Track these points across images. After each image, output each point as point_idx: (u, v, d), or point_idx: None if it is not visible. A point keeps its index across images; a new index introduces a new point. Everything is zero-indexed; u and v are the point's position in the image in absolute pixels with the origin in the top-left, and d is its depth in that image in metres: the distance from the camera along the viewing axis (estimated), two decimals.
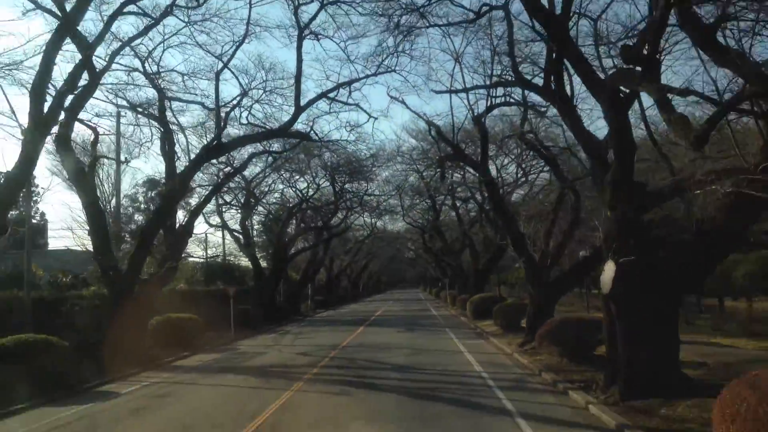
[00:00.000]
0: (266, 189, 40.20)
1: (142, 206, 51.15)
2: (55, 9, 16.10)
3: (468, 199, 39.47)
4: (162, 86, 21.62)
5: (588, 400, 10.94)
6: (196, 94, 33.63)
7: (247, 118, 22.50)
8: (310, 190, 41.56)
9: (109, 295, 19.49)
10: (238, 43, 19.69)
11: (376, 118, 24.79)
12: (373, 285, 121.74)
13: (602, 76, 12.25)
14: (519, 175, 35.04)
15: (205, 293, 33.89)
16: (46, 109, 13.42)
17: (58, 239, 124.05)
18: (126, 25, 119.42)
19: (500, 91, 19.44)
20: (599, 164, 11.50)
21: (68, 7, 14.62)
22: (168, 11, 17.15)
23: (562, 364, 15.00)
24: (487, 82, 18.19)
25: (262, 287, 38.26)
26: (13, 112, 13.90)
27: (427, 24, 15.45)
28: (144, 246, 19.44)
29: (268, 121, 24.45)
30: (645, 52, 9.02)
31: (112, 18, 15.83)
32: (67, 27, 13.34)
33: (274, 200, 44.69)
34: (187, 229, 22.28)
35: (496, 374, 14.69)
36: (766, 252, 27.59)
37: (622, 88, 9.96)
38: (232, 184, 35.13)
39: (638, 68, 9.27)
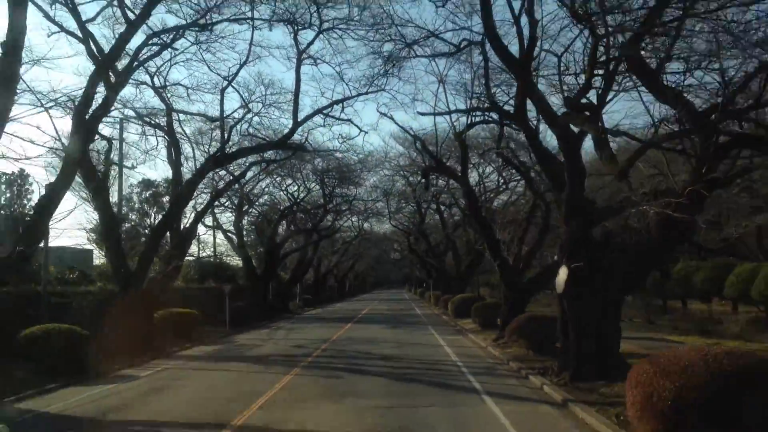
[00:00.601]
0: (259, 192, 42.05)
1: (136, 206, 52.99)
2: (78, 32, 17.97)
3: (451, 205, 41.59)
4: (168, 98, 23.48)
5: (543, 382, 13.04)
6: (203, 102, 35.27)
7: (247, 129, 24.49)
8: (300, 192, 43.53)
9: (120, 291, 21.30)
10: (241, 63, 21.67)
11: (366, 132, 27.12)
12: (359, 285, 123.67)
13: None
14: (500, 183, 37.26)
15: (199, 290, 35.73)
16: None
17: (55, 238, 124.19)
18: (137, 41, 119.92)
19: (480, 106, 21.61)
20: (556, 185, 13.62)
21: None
22: (180, 35, 19.01)
23: (528, 355, 17.12)
24: (468, 103, 20.34)
25: (255, 286, 40.11)
26: (59, 135, 15.41)
27: (414, 55, 17.52)
28: (153, 246, 21.32)
29: (266, 132, 26.45)
30: (584, 101, 11.14)
31: (138, 51, 17.65)
32: (104, 69, 15.15)
33: (265, 202, 46.54)
34: (192, 231, 24.16)
35: (470, 363, 16.79)
36: (722, 259, 30.10)
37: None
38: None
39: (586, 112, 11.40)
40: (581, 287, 12.82)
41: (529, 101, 14.73)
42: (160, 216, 47.54)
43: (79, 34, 17.71)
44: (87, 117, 14.45)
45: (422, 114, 25.00)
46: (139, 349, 19.85)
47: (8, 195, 57.32)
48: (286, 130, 23.45)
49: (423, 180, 24.90)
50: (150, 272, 22.43)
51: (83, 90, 14.19)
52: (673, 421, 7.72)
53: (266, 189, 42.28)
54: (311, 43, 20.70)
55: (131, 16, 16.37)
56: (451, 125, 22.45)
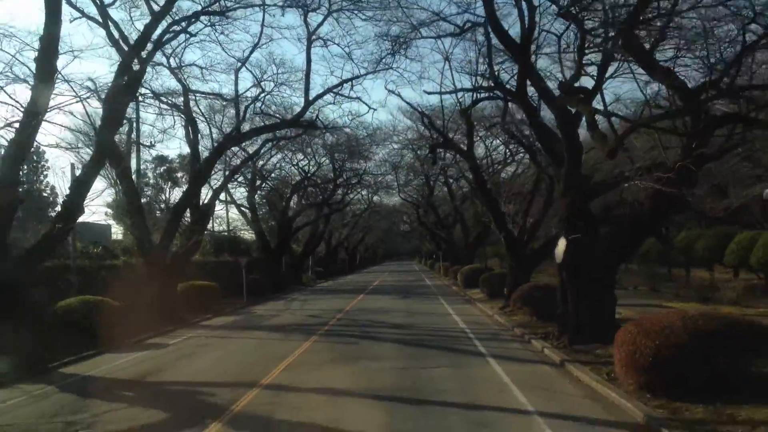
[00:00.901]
0: (270, 167, 42.98)
1: (151, 181, 54.20)
2: (97, 17, 18.77)
3: (459, 177, 42.34)
4: (185, 78, 24.31)
5: (544, 346, 14.07)
6: (216, 82, 35.92)
7: (260, 108, 25.33)
8: (311, 167, 44.43)
9: (145, 264, 22.47)
10: (254, 45, 22.45)
11: (375, 110, 27.89)
12: (369, 257, 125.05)
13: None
14: (507, 155, 37.94)
15: (215, 263, 36.99)
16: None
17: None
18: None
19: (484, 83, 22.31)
20: (555, 161, 14.46)
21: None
22: (195, 19, 19.77)
23: (531, 322, 18.16)
24: (473, 80, 21.06)
25: (269, 259, 41.33)
26: (92, 122, 16.32)
27: (420, 36, 18.23)
28: (175, 221, 22.42)
29: (278, 109, 27.29)
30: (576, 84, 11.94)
31: (161, 38, 18.44)
32: (131, 59, 16.00)
33: (277, 177, 47.46)
34: (210, 207, 25.22)
35: (476, 330, 17.86)
36: (724, 228, 30.83)
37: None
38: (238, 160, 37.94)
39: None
40: (579, 257, 13.76)
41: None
42: (175, 191, 48.87)
43: (100, 19, 18.55)
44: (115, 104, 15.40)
45: (429, 93, 25.42)
46: (164, 320, 21.08)
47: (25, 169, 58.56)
48: (297, 108, 24.36)
49: (431, 155, 25.65)
50: (172, 246, 23.55)
51: (113, 79, 15.09)
52: (653, 374, 8.74)
53: (278, 164, 43.18)
54: (321, 24, 21.41)
55: (155, 7, 17.15)
56: (457, 102, 23.21)
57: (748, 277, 28.97)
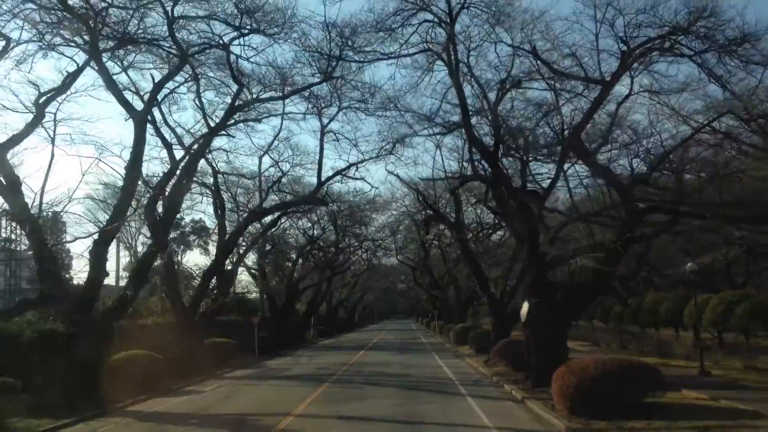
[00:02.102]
0: (279, 232, 46.86)
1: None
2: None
3: (451, 243, 46.30)
4: (213, 161, 28.50)
5: (513, 389, 17.64)
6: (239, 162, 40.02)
7: (278, 186, 29.47)
8: (315, 230, 48.35)
9: (177, 323, 26.04)
10: (275, 136, 26.82)
11: (377, 188, 32.07)
12: (368, 316, 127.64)
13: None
14: (495, 221, 41.98)
15: (226, 322, 40.40)
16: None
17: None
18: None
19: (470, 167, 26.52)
20: (519, 242, 18.42)
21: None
22: (234, 125, 24.08)
23: (507, 371, 21.67)
24: (460, 164, 25.33)
25: (275, 318, 44.73)
26: (158, 216, 20.24)
27: (414, 133, 22.57)
28: (204, 286, 26.15)
29: (292, 185, 31.47)
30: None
31: (205, 147, 22.69)
32: (192, 168, 20.24)
33: (283, 241, 51.29)
34: (233, 272, 29.01)
35: (462, 378, 21.39)
36: (684, 291, 34.54)
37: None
38: (252, 229, 41.87)
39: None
40: (538, 317, 17.52)
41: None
42: (187, 253, 52.54)
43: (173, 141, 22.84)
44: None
45: (423, 179, 29.33)
46: (194, 371, 24.51)
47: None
48: (308, 181, 28.52)
49: (424, 227, 29.66)
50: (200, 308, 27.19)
51: (175, 181, 19.21)
52: (575, 401, 12.41)
53: (286, 230, 47.09)
54: (332, 119, 25.55)
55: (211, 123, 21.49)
56: (447, 182, 27.35)
57: (707, 336, 32.50)
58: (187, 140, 22.99)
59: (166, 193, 19.44)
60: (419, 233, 45.73)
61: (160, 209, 21.30)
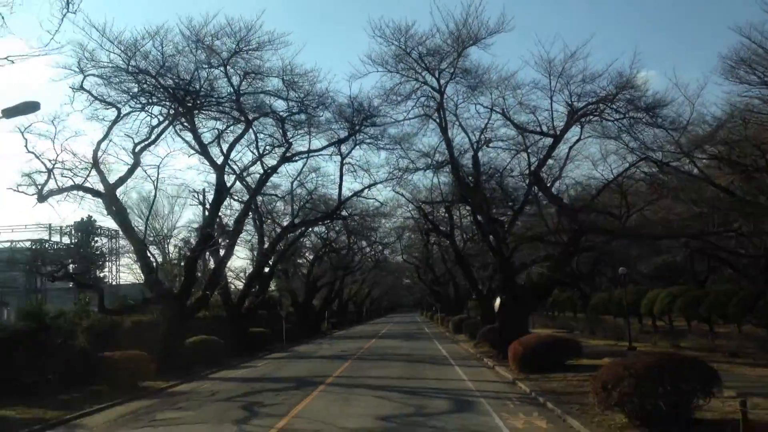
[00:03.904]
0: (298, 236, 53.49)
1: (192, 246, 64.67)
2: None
3: (448, 249, 52.85)
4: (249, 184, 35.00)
5: (489, 361, 24.19)
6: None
7: (306, 205, 36.10)
8: (330, 233, 54.91)
9: (227, 315, 32.59)
10: (303, 165, 33.34)
11: (386, 206, 38.72)
12: (375, 310, 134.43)
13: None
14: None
15: (256, 315, 47.11)
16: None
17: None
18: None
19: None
20: (495, 255, 24.95)
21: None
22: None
23: (489, 350, 28.19)
24: (452, 190, 31.82)
25: (297, 311, 51.45)
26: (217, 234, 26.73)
27: (416, 168, 29.14)
28: (248, 286, 32.75)
29: (315, 202, 38.08)
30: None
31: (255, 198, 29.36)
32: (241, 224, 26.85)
33: (301, 243, 57.94)
34: (270, 275, 35.64)
35: (453, 355, 28.00)
36: (637, 287, 40.99)
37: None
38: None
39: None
40: (506, 307, 24.08)
41: None
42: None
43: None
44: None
45: (423, 202, 35.50)
46: (243, 353, 31.14)
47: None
48: (327, 193, 35.46)
49: (425, 235, 36.21)
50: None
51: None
52: (521, 363, 18.95)
53: (304, 235, 53.64)
54: (350, 152, 31.92)
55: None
56: (444, 206, 33.96)
57: (663, 324, 39.01)
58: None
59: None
60: (422, 236, 52.24)
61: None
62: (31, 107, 11.90)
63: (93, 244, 71.18)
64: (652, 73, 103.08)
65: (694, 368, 10.34)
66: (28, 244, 48.87)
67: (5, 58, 11.33)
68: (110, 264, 57.59)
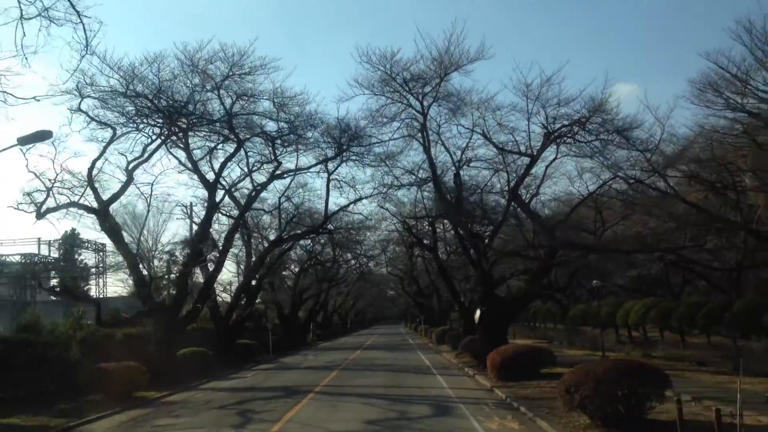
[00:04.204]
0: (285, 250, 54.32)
1: (179, 260, 65.23)
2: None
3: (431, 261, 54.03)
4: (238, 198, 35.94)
5: (470, 370, 25.27)
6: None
7: (292, 219, 37.07)
8: (315, 246, 55.81)
9: (215, 328, 33.37)
10: (290, 182, 34.34)
11: (371, 219, 39.75)
12: (359, 321, 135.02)
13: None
14: None
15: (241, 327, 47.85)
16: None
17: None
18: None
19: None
20: (475, 268, 26.11)
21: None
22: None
23: (470, 360, 29.26)
24: (435, 206, 33.02)
25: (282, 323, 52.20)
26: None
27: (400, 184, 30.31)
28: (236, 299, 33.59)
29: (301, 215, 39.06)
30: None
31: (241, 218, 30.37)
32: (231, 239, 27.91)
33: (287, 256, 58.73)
34: (258, 288, 36.51)
35: (435, 365, 29.05)
36: (615, 299, 42.41)
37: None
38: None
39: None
40: (486, 319, 25.22)
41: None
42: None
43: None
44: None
45: (407, 218, 36.75)
46: (232, 364, 31.93)
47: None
48: (313, 206, 36.58)
49: (409, 248, 37.33)
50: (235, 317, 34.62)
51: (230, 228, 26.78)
52: (499, 371, 20.06)
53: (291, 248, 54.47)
54: (336, 168, 32.95)
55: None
56: (428, 220, 35.17)
57: (651, 335, 40.39)
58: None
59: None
60: (406, 249, 53.38)
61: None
62: (43, 136, 12.85)
63: (77, 257, 71.76)
64: (634, 86, 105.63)
65: (648, 373, 11.52)
66: (18, 258, 49.17)
67: (33, 98, 12.31)
68: (96, 277, 57.78)
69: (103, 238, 54.61)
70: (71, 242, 58.56)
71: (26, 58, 11.30)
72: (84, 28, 11.40)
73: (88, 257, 70.11)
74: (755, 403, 12.30)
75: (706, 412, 12.00)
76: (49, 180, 21.28)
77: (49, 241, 52.00)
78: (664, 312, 33.85)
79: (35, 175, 20.85)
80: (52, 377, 20.89)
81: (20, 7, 10.88)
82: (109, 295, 56.26)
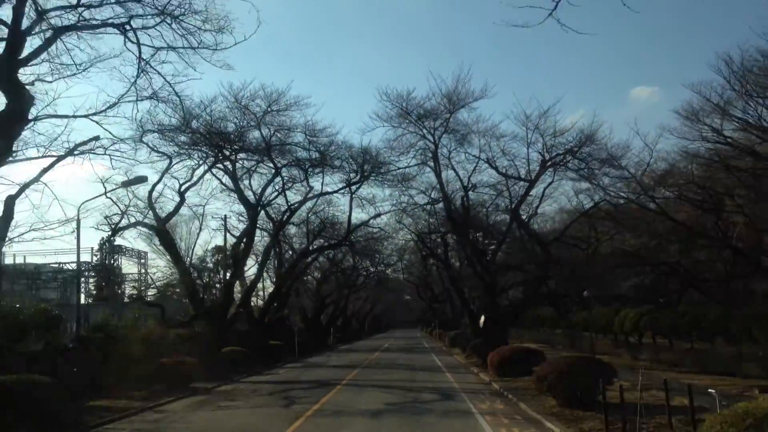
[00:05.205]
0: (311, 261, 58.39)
1: (209, 265, 69.63)
2: None
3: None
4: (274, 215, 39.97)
5: (475, 369, 28.98)
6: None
7: (320, 233, 41.14)
8: (336, 254, 59.74)
9: (250, 329, 37.38)
10: (315, 200, 38.33)
11: (390, 235, 43.75)
12: (377, 325, 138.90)
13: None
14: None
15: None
16: None
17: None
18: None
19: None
20: (480, 279, 29.84)
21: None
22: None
23: (477, 361, 32.95)
24: (447, 224, 36.86)
25: (307, 326, 56.23)
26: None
27: (416, 204, 34.15)
28: (269, 303, 37.62)
29: (325, 228, 43.05)
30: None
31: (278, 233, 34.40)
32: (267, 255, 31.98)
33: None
34: (288, 295, 40.54)
35: (446, 365, 32.80)
36: (609, 308, 45.75)
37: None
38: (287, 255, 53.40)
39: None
40: (489, 324, 28.92)
41: None
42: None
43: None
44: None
45: (420, 233, 40.76)
46: (265, 363, 35.88)
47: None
48: (336, 217, 40.87)
49: (423, 260, 41.14)
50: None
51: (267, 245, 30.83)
52: (497, 369, 23.79)
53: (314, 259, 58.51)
54: (358, 188, 36.98)
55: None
56: (440, 234, 39.03)
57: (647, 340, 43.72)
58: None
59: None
60: (421, 259, 57.21)
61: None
62: (140, 180, 16.91)
63: (114, 263, 76.56)
64: (656, 88, 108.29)
65: (599, 367, 15.27)
66: (74, 266, 53.69)
67: (121, 140, 16.36)
68: (138, 282, 62.20)
69: (141, 246, 59.29)
70: (112, 250, 63.02)
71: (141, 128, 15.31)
72: (181, 102, 15.32)
73: (124, 263, 75.19)
74: (696, 395, 15.96)
75: (649, 398, 15.69)
76: (124, 205, 25.52)
77: (92, 248, 56.51)
78: (654, 319, 37.35)
79: (112, 201, 25.01)
80: (121, 369, 25.03)
81: (136, 92, 14.91)
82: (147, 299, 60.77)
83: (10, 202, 14.04)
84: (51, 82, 15.26)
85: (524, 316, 49.90)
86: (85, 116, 15.81)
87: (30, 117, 14.07)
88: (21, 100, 12.74)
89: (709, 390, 11.47)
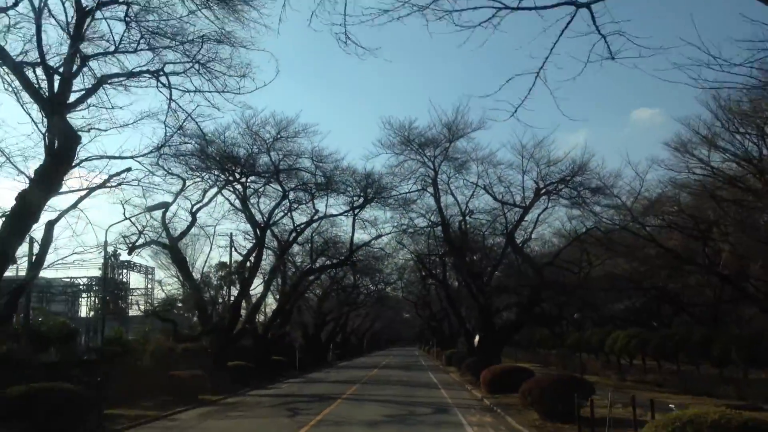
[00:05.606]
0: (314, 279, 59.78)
1: (214, 282, 70.99)
2: None
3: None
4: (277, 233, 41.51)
5: (469, 386, 30.31)
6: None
7: (323, 252, 42.67)
8: (339, 273, 61.17)
9: (254, 344, 38.78)
10: (319, 223, 39.90)
11: (391, 254, 45.24)
12: (375, 342, 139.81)
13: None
14: None
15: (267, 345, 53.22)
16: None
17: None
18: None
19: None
20: (475, 301, 31.28)
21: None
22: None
23: (471, 379, 34.27)
24: (445, 246, 38.38)
25: (306, 343, 57.50)
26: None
27: (416, 227, 35.70)
28: (273, 320, 39.04)
29: (328, 247, 44.54)
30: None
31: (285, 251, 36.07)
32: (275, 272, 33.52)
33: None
34: (290, 312, 41.94)
35: (441, 382, 34.13)
36: (602, 329, 47.12)
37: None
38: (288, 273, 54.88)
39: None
40: (484, 343, 30.32)
41: None
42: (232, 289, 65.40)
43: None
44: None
45: (419, 254, 42.48)
46: (269, 377, 37.21)
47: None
48: (338, 235, 42.39)
49: (422, 280, 42.61)
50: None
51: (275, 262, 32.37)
52: (489, 386, 25.19)
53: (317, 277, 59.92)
54: (361, 210, 38.55)
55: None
56: (438, 256, 40.57)
57: (626, 361, 45.06)
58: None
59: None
60: (420, 278, 58.60)
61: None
62: (164, 206, 18.48)
63: (118, 277, 77.94)
64: (657, 110, 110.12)
65: (579, 384, 16.70)
66: (85, 280, 55.23)
67: (131, 157, 17.97)
68: (144, 296, 63.61)
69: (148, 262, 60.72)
70: (119, 264, 64.42)
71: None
72: (204, 137, 16.92)
73: (127, 276, 76.61)
74: (663, 410, 17.37)
75: (624, 413, 17.12)
76: (141, 225, 27.09)
77: (101, 262, 57.89)
78: (643, 341, 38.72)
79: (131, 221, 26.54)
80: (132, 380, 26.44)
81: (165, 129, 16.54)
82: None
83: (50, 227, 15.55)
84: (106, 130, 17.00)
85: (520, 337, 51.74)
86: (131, 157, 17.51)
87: (79, 159, 15.65)
88: (71, 142, 14.30)
89: (670, 405, 13.01)
